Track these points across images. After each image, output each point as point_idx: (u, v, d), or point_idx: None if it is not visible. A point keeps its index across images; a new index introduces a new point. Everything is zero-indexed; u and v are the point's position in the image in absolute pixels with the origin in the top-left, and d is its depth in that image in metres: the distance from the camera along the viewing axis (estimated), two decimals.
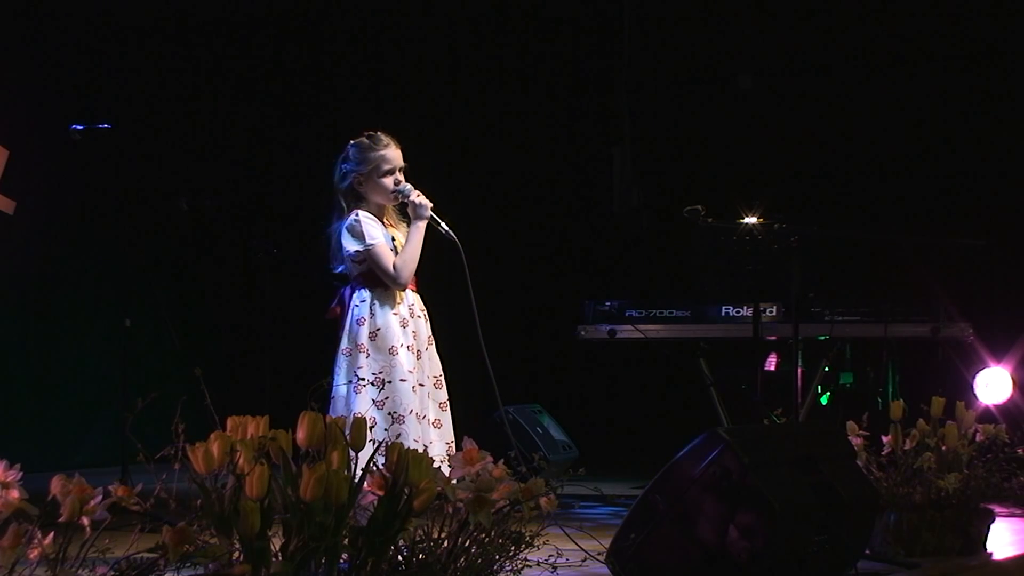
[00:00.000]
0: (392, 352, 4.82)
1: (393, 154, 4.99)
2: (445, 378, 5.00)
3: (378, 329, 4.85)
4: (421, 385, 4.88)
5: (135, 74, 8.56)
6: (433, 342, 5.00)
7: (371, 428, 4.56)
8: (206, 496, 2.86)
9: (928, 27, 8.17)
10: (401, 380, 4.76)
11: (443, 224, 4.99)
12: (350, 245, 4.89)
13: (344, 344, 4.88)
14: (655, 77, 8.71)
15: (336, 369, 4.86)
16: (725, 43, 8.57)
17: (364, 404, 4.71)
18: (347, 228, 4.90)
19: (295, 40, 9.34)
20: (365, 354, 4.82)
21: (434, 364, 4.98)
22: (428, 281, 5.07)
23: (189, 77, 8.95)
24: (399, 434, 4.66)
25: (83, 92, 8.14)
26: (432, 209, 4.96)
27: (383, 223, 4.99)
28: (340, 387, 4.79)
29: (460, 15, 9.14)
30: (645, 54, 8.70)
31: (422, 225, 4.94)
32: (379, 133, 5.02)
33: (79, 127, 6.06)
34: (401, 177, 4.98)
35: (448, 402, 4.97)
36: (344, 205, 4.96)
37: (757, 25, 8.48)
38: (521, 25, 9.15)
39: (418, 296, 5.01)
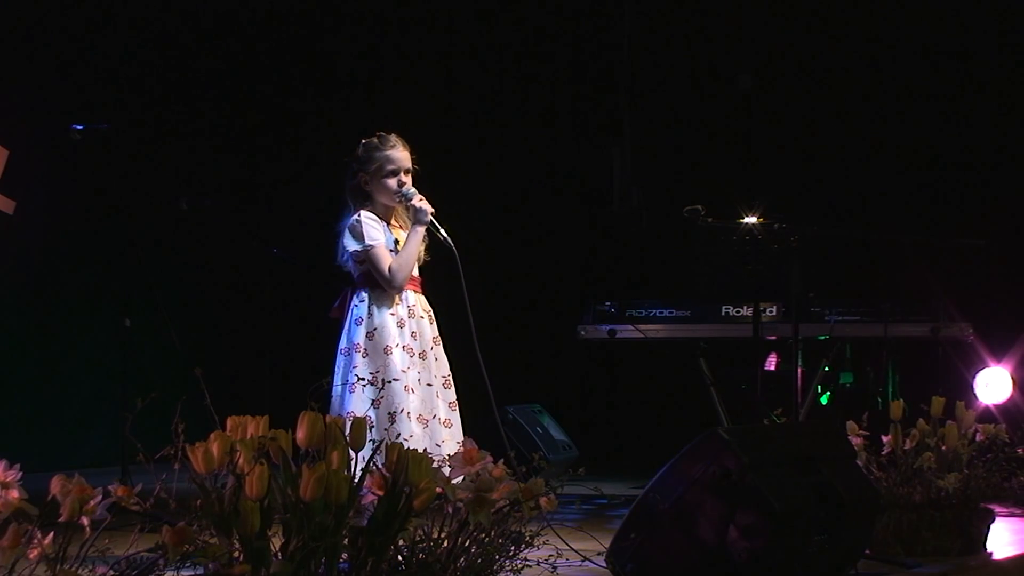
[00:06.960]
0: (387, 352, 4.82)
1: (399, 155, 4.98)
2: None
3: (375, 329, 4.85)
4: (429, 385, 4.88)
5: (135, 74, 8.56)
6: (440, 342, 5.00)
7: (370, 428, 4.56)
8: (206, 496, 2.85)
9: (928, 26, 8.17)
10: (394, 380, 4.76)
11: (442, 231, 4.99)
12: (350, 245, 4.90)
13: (343, 344, 4.90)
14: (655, 77, 8.70)
15: (335, 369, 4.87)
16: (725, 43, 8.57)
17: (359, 404, 4.69)
18: (348, 228, 4.92)
19: (296, 39, 9.34)
20: (362, 354, 4.83)
21: (442, 364, 4.98)
22: (428, 284, 5.07)
23: (189, 77, 8.94)
24: (396, 433, 4.66)
25: (83, 92, 8.13)
26: (433, 215, 4.96)
27: (391, 224, 4.99)
28: (336, 387, 4.80)
29: (460, 15, 9.14)
30: (645, 54, 8.69)
31: (421, 230, 4.94)
32: (389, 134, 5.01)
33: (79, 127, 6.05)
34: (406, 179, 4.97)
35: (456, 402, 4.97)
36: (351, 204, 4.97)
37: (757, 25, 8.48)
38: (521, 25, 9.14)
39: (422, 297, 5.01)
